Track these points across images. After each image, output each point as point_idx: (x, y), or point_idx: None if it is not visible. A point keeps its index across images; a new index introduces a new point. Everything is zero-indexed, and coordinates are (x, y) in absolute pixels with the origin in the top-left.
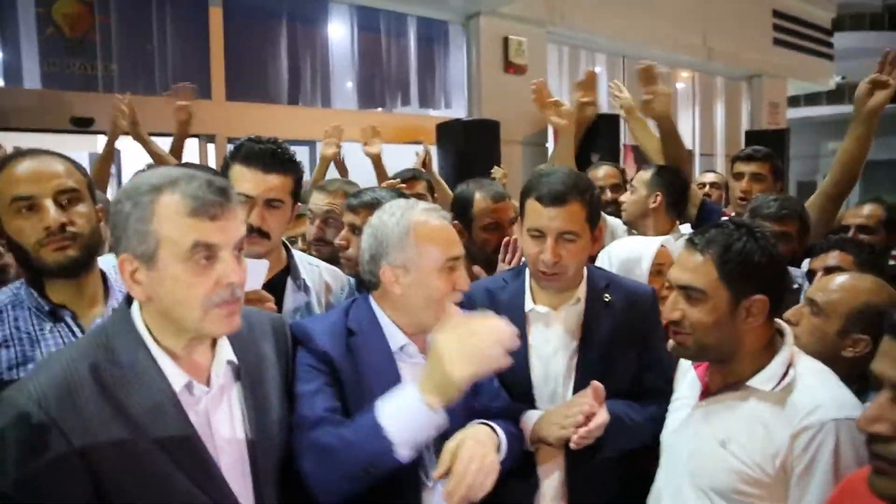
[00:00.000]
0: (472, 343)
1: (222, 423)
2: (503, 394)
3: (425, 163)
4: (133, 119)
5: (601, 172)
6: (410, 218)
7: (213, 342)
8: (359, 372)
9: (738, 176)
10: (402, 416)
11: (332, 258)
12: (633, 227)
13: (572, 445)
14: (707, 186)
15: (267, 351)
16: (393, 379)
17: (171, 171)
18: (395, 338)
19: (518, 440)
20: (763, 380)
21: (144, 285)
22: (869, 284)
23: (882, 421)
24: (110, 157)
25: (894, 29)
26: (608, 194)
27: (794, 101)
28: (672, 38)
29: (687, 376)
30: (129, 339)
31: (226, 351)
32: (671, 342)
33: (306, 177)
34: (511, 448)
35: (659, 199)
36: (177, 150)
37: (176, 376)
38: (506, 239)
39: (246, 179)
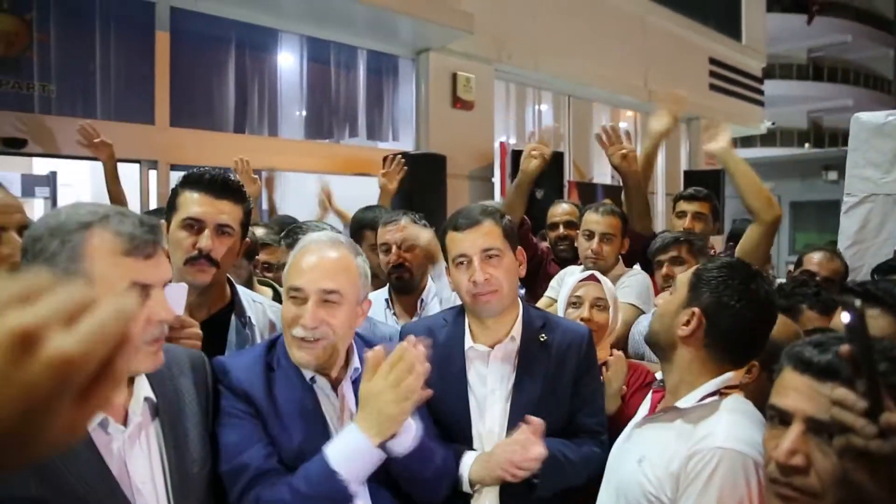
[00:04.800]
0: (399, 381)
1: (139, 463)
2: (432, 431)
3: (328, 198)
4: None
5: (559, 210)
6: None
7: (131, 379)
8: (277, 407)
9: (681, 214)
10: (352, 457)
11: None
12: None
13: (501, 473)
14: (560, 227)
15: (186, 387)
16: (311, 410)
17: (97, 208)
18: (306, 371)
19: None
20: (686, 400)
21: None
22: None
23: (799, 454)
24: (117, 180)
25: (818, 79)
26: (561, 230)
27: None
28: (615, 80)
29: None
30: None
31: (143, 387)
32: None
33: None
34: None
35: (626, 244)
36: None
37: None
38: None
39: (196, 203)
